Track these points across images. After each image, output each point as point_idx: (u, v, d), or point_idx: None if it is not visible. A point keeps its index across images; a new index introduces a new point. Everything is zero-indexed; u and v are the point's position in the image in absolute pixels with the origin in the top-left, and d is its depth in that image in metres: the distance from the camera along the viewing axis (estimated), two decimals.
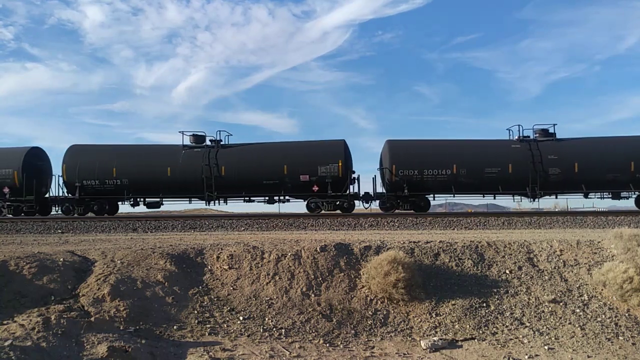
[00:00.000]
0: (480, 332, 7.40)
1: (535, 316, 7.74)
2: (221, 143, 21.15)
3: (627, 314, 7.82)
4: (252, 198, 20.99)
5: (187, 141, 21.12)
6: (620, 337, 7.33)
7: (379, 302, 7.95)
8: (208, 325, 7.04)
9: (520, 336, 7.31)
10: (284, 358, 6.40)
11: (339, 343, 7.04)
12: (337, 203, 19.87)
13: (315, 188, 19.81)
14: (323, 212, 19.75)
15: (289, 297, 7.86)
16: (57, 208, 21.26)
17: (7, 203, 20.68)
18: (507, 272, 8.73)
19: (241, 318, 7.33)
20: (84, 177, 20.48)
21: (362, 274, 8.45)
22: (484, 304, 7.96)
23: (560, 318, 7.71)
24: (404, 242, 9.42)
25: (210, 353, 6.26)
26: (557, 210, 28.55)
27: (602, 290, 8.27)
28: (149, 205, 21.13)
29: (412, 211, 19.59)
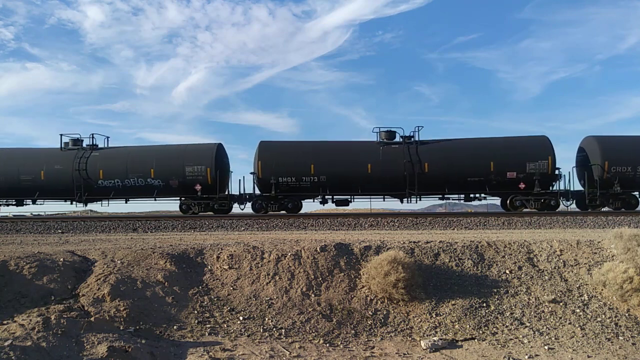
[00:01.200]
0: (480, 332, 7.40)
1: (535, 316, 7.74)
2: (414, 139, 20.61)
3: (627, 314, 7.82)
4: (446, 196, 20.76)
5: (377, 138, 20.84)
6: (620, 337, 7.33)
7: (379, 302, 7.95)
8: (208, 325, 7.04)
9: (520, 336, 7.31)
10: (284, 358, 6.40)
11: (339, 343, 7.04)
12: (543, 200, 19.64)
13: (522, 185, 19.59)
14: (525, 209, 19.59)
15: (289, 297, 7.86)
16: (243, 205, 20.81)
17: (197, 201, 20.21)
18: (507, 272, 8.73)
19: (241, 318, 7.33)
20: (280, 174, 19.91)
21: (362, 274, 8.45)
22: (484, 304, 7.96)
23: (560, 318, 7.71)
24: (404, 242, 9.42)
25: (210, 353, 6.26)
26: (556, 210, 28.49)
27: (602, 290, 8.27)
28: (337, 202, 20.72)
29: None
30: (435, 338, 7.16)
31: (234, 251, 8.85)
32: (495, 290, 8.29)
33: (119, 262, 8.20)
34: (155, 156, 20.60)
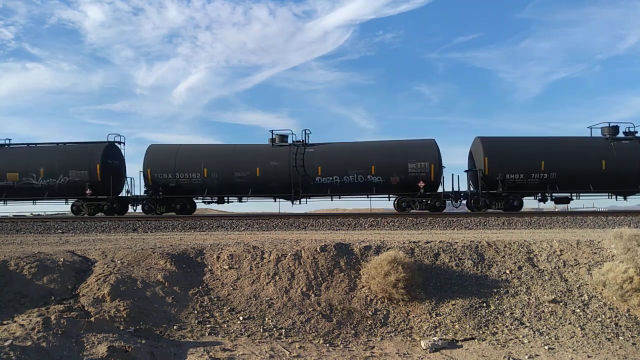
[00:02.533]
0: (480, 332, 7.40)
1: (535, 316, 7.74)
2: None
3: (627, 314, 7.82)
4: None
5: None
6: (620, 337, 7.33)
7: (379, 302, 7.95)
8: (208, 325, 7.04)
9: (520, 336, 7.31)
10: (284, 358, 6.40)
11: (339, 343, 7.04)
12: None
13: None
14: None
15: (289, 297, 7.86)
16: (457, 203, 20.21)
17: (418, 198, 19.54)
18: (507, 272, 8.73)
19: (241, 318, 7.33)
20: (507, 171, 19.39)
21: (362, 274, 8.45)
22: (484, 304, 7.96)
23: (560, 318, 7.71)
24: (404, 242, 9.42)
25: (210, 353, 6.26)
26: (557, 210, 28.50)
27: (602, 290, 8.27)
28: (557, 200, 20.35)
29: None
30: (435, 338, 7.16)
31: (234, 251, 8.85)
32: (495, 290, 8.29)
33: (119, 262, 8.20)
34: (377, 152, 20.05)
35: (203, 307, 7.48)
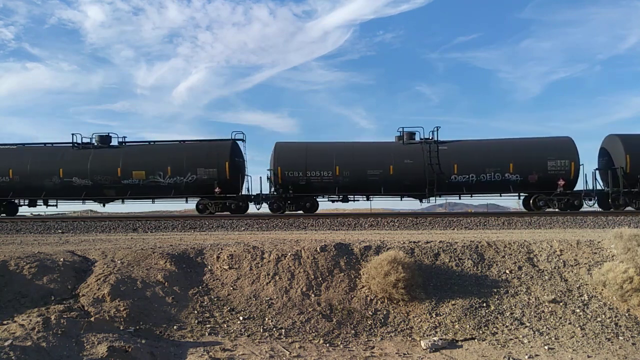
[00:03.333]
0: (480, 332, 7.40)
1: (535, 316, 7.74)
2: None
3: (627, 314, 7.82)
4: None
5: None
6: (620, 337, 7.33)
7: (379, 302, 7.95)
8: (208, 325, 7.04)
9: (520, 336, 7.31)
10: (284, 358, 6.40)
11: (339, 343, 7.04)
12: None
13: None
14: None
15: (289, 297, 7.86)
16: (590, 202, 19.90)
17: (557, 197, 19.13)
18: (507, 272, 8.73)
19: (241, 318, 7.33)
20: None
21: (362, 274, 8.45)
22: (484, 304, 7.96)
23: (560, 318, 7.71)
24: (404, 242, 9.42)
25: (210, 353, 6.26)
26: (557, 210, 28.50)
27: (602, 290, 8.27)
28: None
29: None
30: (435, 338, 7.16)
31: (234, 251, 8.85)
32: (495, 290, 8.29)
33: (119, 262, 8.21)
34: (514, 150, 19.75)
35: (203, 307, 7.48)
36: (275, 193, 20.37)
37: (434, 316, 7.71)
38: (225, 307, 7.54)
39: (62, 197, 21.15)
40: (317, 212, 20.18)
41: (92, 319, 6.55)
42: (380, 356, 6.68)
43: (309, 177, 19.92)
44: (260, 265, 8.48)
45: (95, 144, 21.16)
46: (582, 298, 8.15)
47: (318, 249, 8.87)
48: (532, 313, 7.80)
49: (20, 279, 7.32)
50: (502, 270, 8.78)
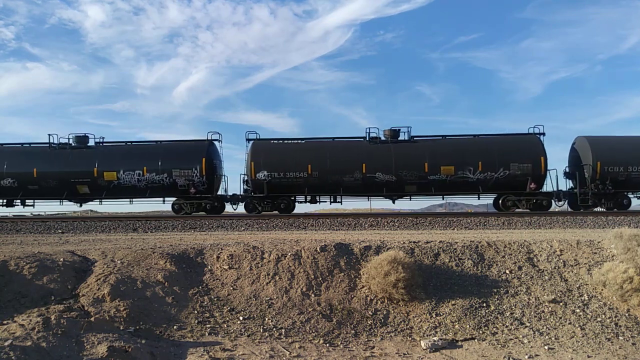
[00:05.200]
0: (480, 332, 7.40)
1: (535, 316, 7.74)
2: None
3: (627, 314, 7.82)
4: None
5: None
6: (620, 337, 7.33)
7: (379, 302, 7.95)
8: (208, 325, 7.04)
9: (520, 336, 7.31)
10: (284, 358, 6.40)
11: (339, 343, 7.04)
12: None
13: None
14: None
15: (289, 297, 7.86)
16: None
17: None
18: (507, 272, 8.73)
19: (241, 318, 7.33)
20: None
21: (362, 274, 8.45)
22: (484, 304, 7.96)
23: (560, 318, 7.71)
24: (404, 242, 9.42)
25: (210, 353, 6.26)
26: (557, 210, 28.49)
27: (602, 290, 8.27)
28: None
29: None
30: (435, 338, 7.16)
31: (234, 251, 8.85)
32: (495, 290, 8.29)
33: (119, 262, 8.21)
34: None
35: (203, 307, 7.48)
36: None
37: (434, 316, 7.71)
38: (225, 307, 7.54)
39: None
40: (317, 212, 20.18)
41: (92, 319, 6.55)
42: (380, 356, 6.68)
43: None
44: (260, 265, 8.48)
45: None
46: (582, 298, 8.15)
47: (318, 249, 8.87)
48: (532, 313, 7.80)
49: (20, 279, 7.33)
50: (502, 270, 8.78)
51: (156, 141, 21.57)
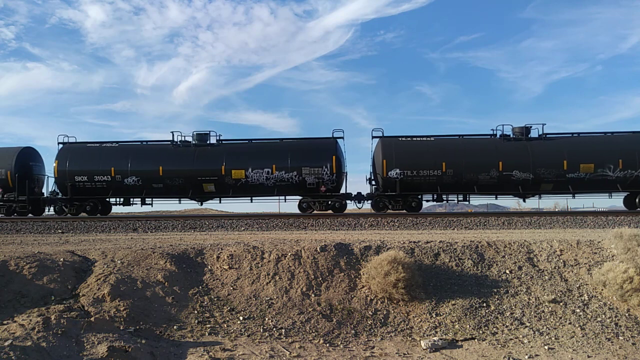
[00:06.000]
0: (480, 332, 7.40)
1: (535, 316, 7.74)
2: None
3: (627, 314, 7.82)
4: None
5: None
6: (620, 337, 7.33)
7: (379, 302, 7.95)
8: (208, 325, 7.04)
9: (520, 336, 7.31)
10: (284, 358, 6.40)
11: (339, 343, 7.04)
12: None
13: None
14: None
15: (289, 297, 7.86)
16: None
17: None
18: (507, 272, 8.73)
19: (241, 318, 7.33)
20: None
21: (362, 274, 8.45)
22: (484, 304, 7.96)
23: (560, 318, 7.71)
24: (404, 242, 9.42)
25: (210, 353, 6.26)
26: (557, 210, 28.50)
27: (602, 290, 8.27)
28: None
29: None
30: (435, 338, 7.16)
31: (234, 251, 8.85)
32: (495, 290, 8.29)
33: (119, 262, 8.20)
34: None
35: (203, 307, 7.48)
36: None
37: (434, 316, 7.71)
38: (225, 307, 7.54)
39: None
40: (317, 212, 20.14)
41: (92, 319, 6.55)
42: (380, 356, 6.68)
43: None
44: (260, 265, 8.48)
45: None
46: (582, 298, 8.15)
47: (318, 249, 8.87)
48: (532, 313, 7.80)
49: (20, 279, 7.32)
50: (502, 270, 8.77)
51: (280, 139, 20.97)
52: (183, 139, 20.67)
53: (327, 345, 6.94)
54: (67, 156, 20.44)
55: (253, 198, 20.66)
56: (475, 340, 7.23)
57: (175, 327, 6.91)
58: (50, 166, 21.36)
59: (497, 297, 8.13)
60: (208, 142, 20.68)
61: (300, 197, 20.18)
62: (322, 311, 7.67)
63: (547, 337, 7.31)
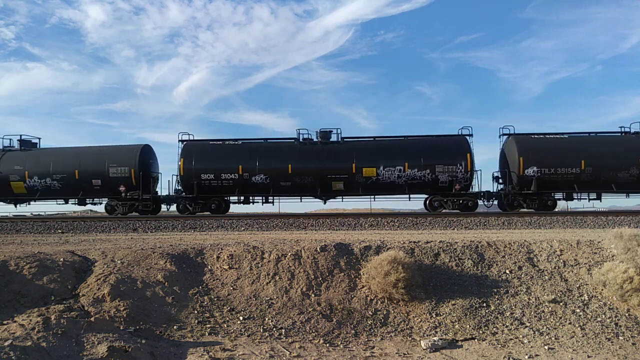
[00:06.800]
0: (480, 332, 7.40)
1: (535, 316, 7.74)
2: None
3: (627, 314, 7.82)
4: None
5: None
6: (620, 337, 7.33)
7: (379, 302, 7.95)
8: (208, 325, 7.04)
9: (520, 336, 7.31)
10: (284, 358, 6.40)
11: (339, 343, 7.04)
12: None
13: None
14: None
15: (289, 297, 7.86)
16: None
17: None
18: (507, 272, 8.73)
19: (241, 318, 7.33)
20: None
21: (362, 274, 8.45)
22: (484, 304, 7.96)
23: (560, 318, 7.71)
24: (404, 242, 9.42)
25: (210, 353, 6.26)
26: (557, 210, 28.50)
27: (602, 290, 8.27)
28: None
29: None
30: (435, 338, 7.16)
31: (234, 251, 8.85)
32: (495, 290, 8.29)
33: (119, 262, 8.20)
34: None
35: (203, 307, 7.48)
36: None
37: (434, 316, 7.71)
38: (225, 307, 7.54)
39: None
40: (317, 212, 20.16)
41: (92, 319, 6.55)
42: (380, 356, 6.68)
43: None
44: (260, 265, 8.48)
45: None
46: (582, 298, 8.15)
47: (318, 249, 8.87)
48: (532, 313, 7.80)
49: (20, 279, 7.32)
50: (502, 270, 8.77)
51: (404, 136, 20.69)
52: (306, 136, 20.50)
53: (327, 345, 6.94)
54: (192, 154, 20.21)
55: (374, 196, 20.39)
56: (475, 340, 7.23)
57: (175, 327, 6.91)
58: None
59: (497, 297, 8.13)
60: (331, 139, 20.44)
61: (428, 196, 19.96)
62: (322, 311, 7.67)
63: (547, 337, 7.31)
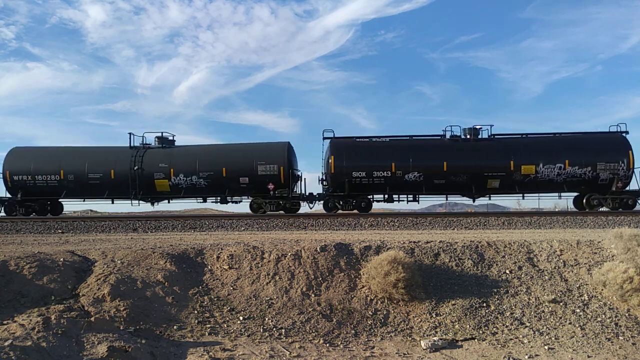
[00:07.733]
0: (480, 332, 7.40)
1: (535, 316, 7.74)
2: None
3: (627, 314, 7.82)
4: None
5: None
6: (620, 337, 7.33)
7: (379, 302, 7.95)
8: (208, 325, 7.04)
9: (520, 336, 7.31)
10: (284, 358, 6.40)
11: (339, 343, 7.04)
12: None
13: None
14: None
15: (289, 297, 7.86)
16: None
17: None
18: (507, 272, 8.73)
19: (241, 318, 7.33)
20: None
21: (362, 274, 8.45)
22: (484, 304, 7.96)
23: (560, 318, 7.71)
24: (404, 242, 9.42)
25: (210, 353, 6.26)
26: (557, 210, 28.48)
27: (602, 290, 8.27)
28: None
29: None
30: (435, 338, 7.16)
31: (234, 251, 8.85)
32: (495, 290, 8.29)
33: (119, 262, 8.20)
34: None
35: (203, 307, 7.48)
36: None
37: (434, 316, 7.71)
38: (225, 307, 7.54)
39: None
40: (318, 212, 20.14)
41: (92, 319, 6.55)
42: (380, 356, 6.68)
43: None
44: (260, 265, 8.48)
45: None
46: (582, 298, 8.15)
47: (318, 249, 8.87)
48: (532, 313, 7.80)
49: (20, 279, 7.32)
50: (502, 270, 8.77)
51: (553, 133, 20.35)
52: (453, 133, 20.20)
53: (327, 345, 6.94)
54: (342, 152, 19.85)
55: (523, 195, 20.08)
56: (475, 340, 7.23)
57: (175, 327, 6.91)
58: None
59: (497, 297, 8.13)
60: (480, 136, 20.15)
61: (580, 194, 19.67)
62: (322, 311, 7.67)
63: (547, 337, 7.31)
